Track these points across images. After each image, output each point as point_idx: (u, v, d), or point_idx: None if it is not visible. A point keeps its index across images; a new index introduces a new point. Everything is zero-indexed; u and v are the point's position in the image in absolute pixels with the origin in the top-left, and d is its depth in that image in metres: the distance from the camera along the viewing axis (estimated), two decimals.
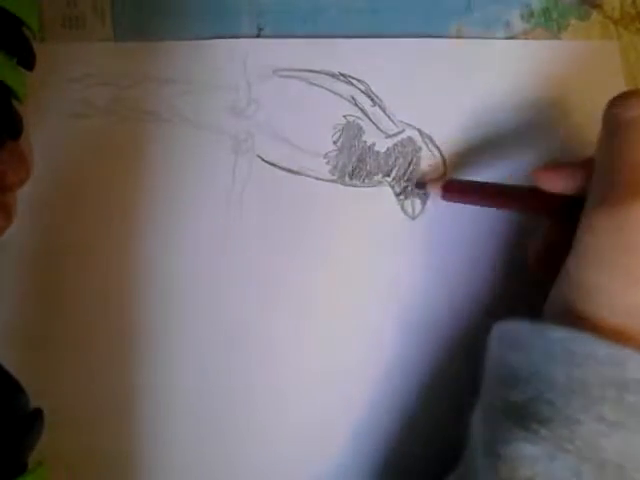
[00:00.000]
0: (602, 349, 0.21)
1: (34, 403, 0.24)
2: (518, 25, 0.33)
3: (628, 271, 0.22)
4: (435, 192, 0.30)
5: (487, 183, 0.29)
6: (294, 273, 0.31)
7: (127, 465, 0.29)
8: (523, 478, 0.21)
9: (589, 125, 0.32)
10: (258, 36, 0.32)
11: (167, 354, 0.30)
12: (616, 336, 0.22)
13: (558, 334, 0.22)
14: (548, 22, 0.34)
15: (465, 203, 0.30)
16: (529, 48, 0.33)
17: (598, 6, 0.34)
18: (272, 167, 0.31)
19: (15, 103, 0.26)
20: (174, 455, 0.30)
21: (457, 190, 0.29)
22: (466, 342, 0.30)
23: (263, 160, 0.31)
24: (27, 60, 0.26)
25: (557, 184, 0.26)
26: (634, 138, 0.23)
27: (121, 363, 0.30)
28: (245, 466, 0.30)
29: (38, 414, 0.24)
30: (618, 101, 0.24)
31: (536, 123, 0.32)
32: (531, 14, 0.33)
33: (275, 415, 0.30)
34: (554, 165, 0.27)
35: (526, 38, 0.33)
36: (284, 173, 0.31)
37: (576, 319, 0.23)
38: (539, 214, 0.28)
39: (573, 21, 0.34)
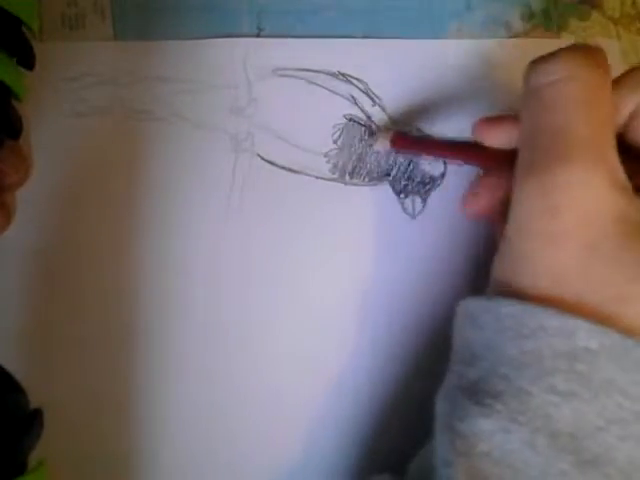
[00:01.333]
0: (552, 320, 0.21)
1: (34, 403, 0.24)
2: (518, 25, 0.33)
3: (552, 235, 0.22)
4: (385, 144, 0.30)
5: (432, 137, 0.31)
6: (294, 272, 0.31)
7: (127, 465, 0.29)
8: (480, 453, 0.21)
9: None
10: (258, 36, 0.32)
11: (167, 354, 0.30)
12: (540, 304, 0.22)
13: (508, 308, 0.22)
14: (548, 22, 0.34)
15: (412, 154, 0.31)
16: (529, 48, 0.33)
17: (598, 6, 0.34)
18: (272, 166, 0.31)
19: (15, 103, 0.26)
20: (174, 455, 0.30)
21: (405, 142, 0.30)
22: None
23: (263, 159, 0.31)
24: (27, 60, 0.26)
25: (494, 138, 0.26)
26: (552, 103, 0.23)
27: (121, 363, 0.30)
28: (244, 465, 0.30)
29: (38, 414, 0.24)
30: (536, 66, 0.24)
31: None
32: (531, 14, 0.33)
33: (273, 415, 0.30)
34: (493, 118, 0.26)
35: (526, 38, 0.33)
36: (284, 172, 0.31)
37: (503, 290, 0.23)
38: (480, 167, 0.29)
39: (573, 21, 0.34)
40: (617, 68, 0.33)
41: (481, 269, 0.31)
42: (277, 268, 0.31)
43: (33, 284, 0.30)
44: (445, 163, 0.32)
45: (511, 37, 0.33)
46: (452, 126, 0.32)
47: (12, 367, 0.24)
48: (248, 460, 0.30)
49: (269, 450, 0.30)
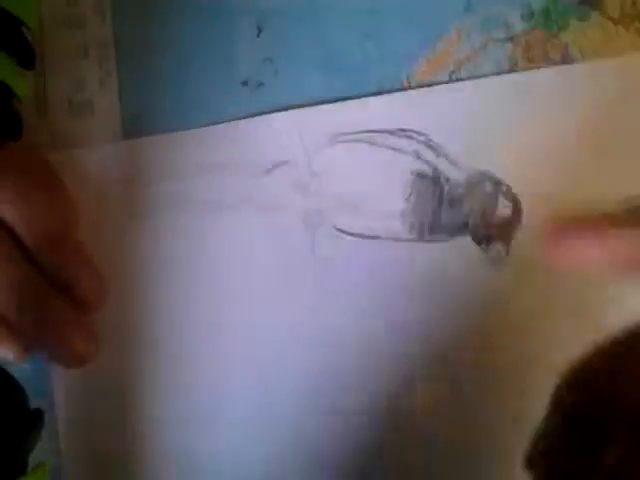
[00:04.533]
0: None
1: (34, 403, 0.24)
2: (518, 25, 0.33)
3: None
4: None
5: None
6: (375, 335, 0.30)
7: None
8: None
9: None
10: (258, 36, 0.32)
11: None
12: None
13: None
14: (548, 22, 0.34)
15: None
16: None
17: (598, 6, 0.34)
18: (347, 235, 0.30)
19: (15, 103, 0.26)
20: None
21: None
22: None
23: (337, 230, 0.30)
24: (27, 60, 0.26)
25: None
26: None
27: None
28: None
29: (38, 414, 0.24)
30: None
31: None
32: (531, 14, 0.33)
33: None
34: None
35: (526, 38, 0.33)
36: (360, 240, 0.30)
37: None
38: None
39: (573, 21, 0.34)
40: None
41: None
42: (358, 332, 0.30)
43: None
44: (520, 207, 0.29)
45: (511, 37, 0.33)
46: (521, 163, 0.30)
47: (12, 367, 0.24)
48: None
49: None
